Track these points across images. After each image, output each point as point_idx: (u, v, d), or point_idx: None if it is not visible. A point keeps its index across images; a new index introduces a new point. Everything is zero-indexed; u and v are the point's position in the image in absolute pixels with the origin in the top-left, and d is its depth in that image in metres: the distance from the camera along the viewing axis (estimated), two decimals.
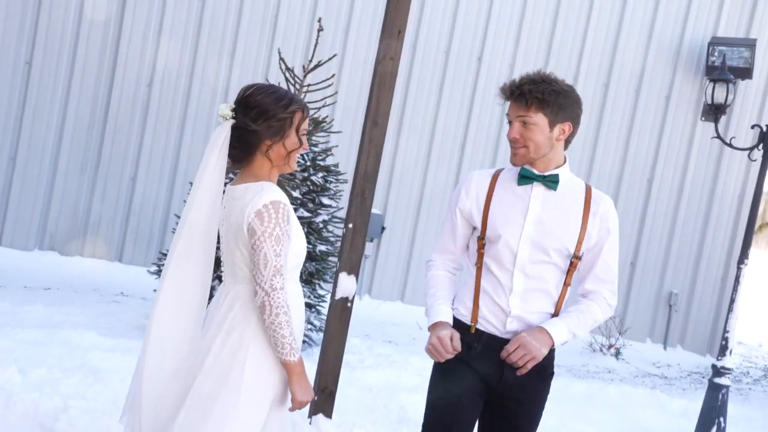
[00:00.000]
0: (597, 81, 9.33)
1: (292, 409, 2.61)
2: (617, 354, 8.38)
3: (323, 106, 6.67)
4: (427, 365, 6.33)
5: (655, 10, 9.30)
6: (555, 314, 2.81)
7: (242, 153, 2.60)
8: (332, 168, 6.72)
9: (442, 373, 2.85)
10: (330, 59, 6.83)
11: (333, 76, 7.03)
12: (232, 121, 2.58)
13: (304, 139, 2.65)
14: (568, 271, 2.80)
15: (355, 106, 8.94)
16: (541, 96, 2.73)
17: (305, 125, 2.66)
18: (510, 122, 2.82)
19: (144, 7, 8.77)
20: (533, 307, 2.77)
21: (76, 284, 7.87)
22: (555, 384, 6.69)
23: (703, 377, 8.25)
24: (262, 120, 2.57)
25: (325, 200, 6.60)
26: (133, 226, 8.81)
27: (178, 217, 7.25)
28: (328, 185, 6.64)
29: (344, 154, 8.54)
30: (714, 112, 6.67)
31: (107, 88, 8.77)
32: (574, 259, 2.79)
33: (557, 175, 2.80)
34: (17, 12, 8.61)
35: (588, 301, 2.83)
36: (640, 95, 9.36)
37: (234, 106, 2.60)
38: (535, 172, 2.79)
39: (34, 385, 4.34)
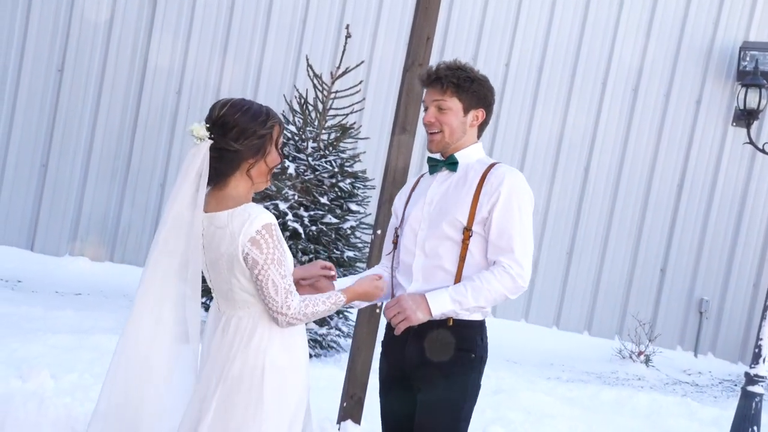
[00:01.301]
0: (626, 86, 9.26)
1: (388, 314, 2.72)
2: (647, 361, 8.30)
3: (351, 112, 6.69)
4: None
5: (685, 14, 9.22)
6: None
7: (220, 173, 2.51)
8: (360, 174, 6.72)
9: (379, 375, 2.95)
10: (357, 66, 6.85)
11: (361, 82, 7.05)
12: (209, 142, 2.49)
13: (279, 152, 2.59)
14: (462, 244, 2.79)
15: (383, 113, 8.95)
16: (456, 81, 2.84)
17: (281, 138, 2.60)
18: (426, 108, 2.91)
19: (173, 15, 8.84)
20: (432, 285, 2.78)
21: (106, 290, 7.94)
22: (584, 391, 6.65)
23: (735, 385, 8.14)
24: (243, 139, 2.49)
25: (353, 206, 6.60)
26: None
27: None
28: (355, 191, 6.64)
29: (372, 161, 8.54)
30: (746, 117, 6.60)
31: (137, 95, 8.85)
32: (466, 231, 2.78)
33: (454, 156, 2.87)
34: (49, 20, 8.72)
35: (486, 271, 2.76)
36: (670, 100, 9.28)
37: (208, 125, 2.51)
38: (439, 158, 2.91)
39: (66, 390, 4.38)
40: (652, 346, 8.52)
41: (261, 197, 6.42)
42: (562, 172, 9.21)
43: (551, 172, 9.21)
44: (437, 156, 2.93)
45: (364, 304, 2.92)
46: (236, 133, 2.50)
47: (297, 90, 7.05)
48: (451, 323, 2.76)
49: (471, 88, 2.86)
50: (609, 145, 9.24)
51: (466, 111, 2.87)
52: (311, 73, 6.64)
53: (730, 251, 9.29)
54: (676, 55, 9.25)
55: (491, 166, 2.84)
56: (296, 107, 6.86)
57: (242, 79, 8.94)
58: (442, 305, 2.72)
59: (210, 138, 2.50)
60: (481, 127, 2.94)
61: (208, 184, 2.52)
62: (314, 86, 6.64)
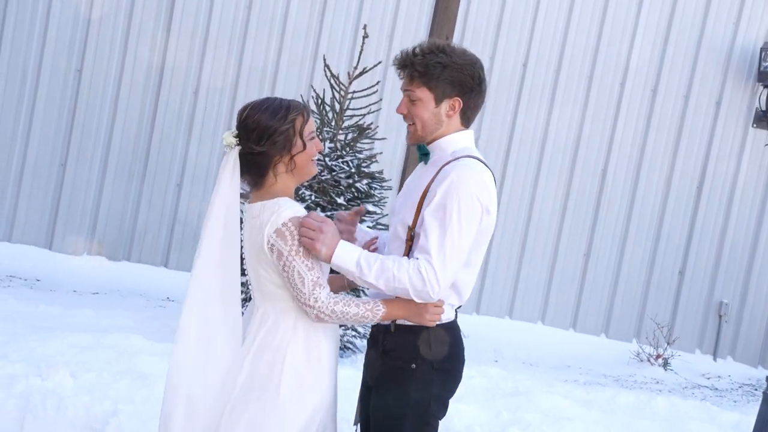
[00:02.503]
0: (645, 86, 9.20)
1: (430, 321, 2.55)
2: (665, 364, 8.24)
3: (368, 113, 6.68)
4: (473, 373, 6.29)
5: (705, 14, 9.16)
6: None
7: (256, 176, 2.55)
8: (377, 175, 6.71)
9: None
10: (375, 66, 6.84)
11: (378, 83, 7.04)
12: (238, 148, 2.53)
13: (313, 142, 2.58)
14: (406, 245, 2.58)
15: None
16: (423, 69, 2.57)
17: (310, 127, 2.58)
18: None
19: (190, 16, 8.87)
20: None
21: (123, 289, 7.97)
22: (601, 394, 6.61)
23: (756, 389, 8.07)
24: (265, 139, 2.51)
25: (370, 207, 6.59)
26: (179, 232, 8.90)
27: None
28: (372, 192, 6.63)
29: (388, 161, 8.53)
30: (767, 118, 6.54)
31: (154, 95, 8.88)
32: (409, 231, 2.57)
33: (426, 147, 2.65)
34: (69, 21, 8.76)
35: (406, 260, 2.50)
36: (689, 101, 9.22)
37: (236, 132, 2.55)
38: (423, 146, 2.70)
39: (85, 388, 4.39)
40: (671, 350, 8.46)
41: None
42: (579, 172, 9.17)
43: (569, 172, 9.16)
44: (423, 144, 2.71)
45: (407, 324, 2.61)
46: (257, 135, 2.52)
47: (314, 90, 7.05)
48: (393, 329, 2.58)
49: (442, 76, 2.57)
50: (627, 146, 9.18)
51: (438, 101, 2.61)
52: (328, 74, 6.64)
53: (750, 253, 9.22)
54: (696, 56, 9.19)
55: (451, 161, 2.59)
56: (313, 107, 6.86)
57: (259, 79, 8.95)
58: (345, 260, 2.48)
59: (237, 144, 2.53)
60: (466, 114, 2.68)
61: (255, 186, 2.55)
62: (331, 86, 6.64)
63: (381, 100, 7.00)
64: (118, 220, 8.88)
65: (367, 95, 6.63)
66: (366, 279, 2.48)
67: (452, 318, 2.66)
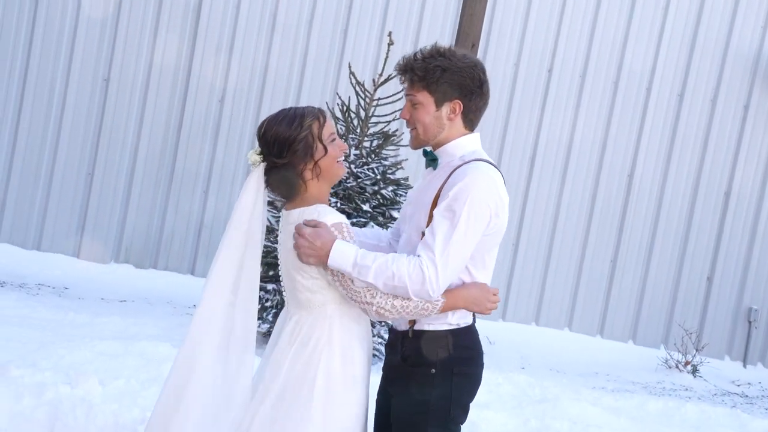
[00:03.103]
0: (671, 92, 9.14)
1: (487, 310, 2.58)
2: (694, 371, 8.15)
3: (393, 119, 6.68)
4: (500, 380, 6.27)
5: (732, 18, 9.08)
6: None
7: (287, 188, 2.58)
8: (402, 182, 6.71)
9: None
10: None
11: (403, 90, 7.03)
12: (263, 165, 2.56)
13: (334, 144, 2.58)
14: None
15: None
16: (422, 74, 2.59)
17: (328, 129, 2.58)
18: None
19: (216, 25, 8.92)
20: None
21: (151, 296, 8.02)
22: (630, 401, 6.55)
23: None
24: (285, 151, 2.53)
25: (395, 213, 6.59)
26: (205, 240, 8.95)
27: None
28: (398, 199, 6.63)
29: (413, 168, 8.52)
30: None
31: (180, 103, 8.94)
32: (421, 235, 2.57)
33: (433, 152, 2.67)
34: (96, 31, 8.85)
35: (405, 257, 2.50)
36: (716, 106, 9.14)
37: (259, 149, 2.58)
38: (429, 151, 2.72)
39: (114, 396, 4.42)
40: (699, 356, 8.37)
41: None
42: (605, 178, 9.11)
43: (595, 178, 9.11)
44: (428, 149, 2.73)
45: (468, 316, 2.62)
46: (278, 148, 2.54)
47: (339, 97, 7.06)
48: (411, 335, 2.58)
49: (442, 79, 2.59)
50: (653, 151, 9.12)
51: (438, 104, 2.62)
52: (353, 81, 6.65)
53: None
54: (723, 59, 9.11)
55: (461, 165, 2.60)
56: (338, 114, 6.88)
57: (284, 87, 8.99)
58: (342, 262, 2.47)
59: (262, 161, 2.56)
60: (468, 117, 2.68)
61: (288, 198, 2.58)
62: (356, 94, 6.65)
63: None
64: (144, 228, 8.94)
65: (392, 102, 6.63)
66: (365, 279, 2.47)
67: (470, 322, 2.65)
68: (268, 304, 6.44)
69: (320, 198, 2.60)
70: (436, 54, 2.63)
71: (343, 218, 2.55)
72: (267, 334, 6.73)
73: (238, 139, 8.96)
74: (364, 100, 6.64)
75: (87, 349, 5.37)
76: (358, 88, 6.64)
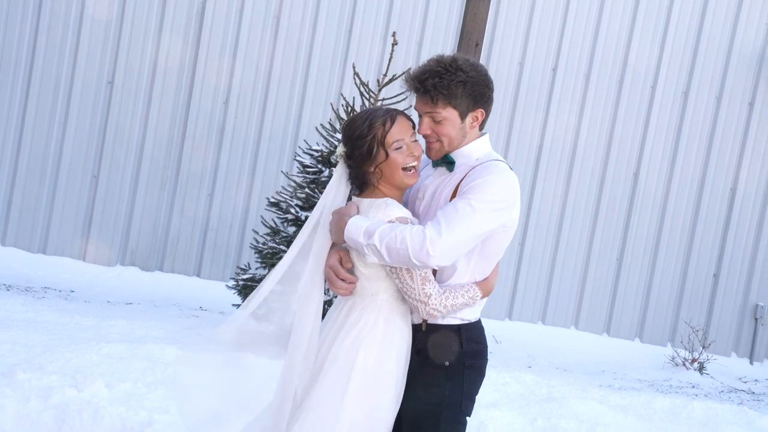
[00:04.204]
0: (676, 89, 9.12)
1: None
2: (701, 368, 8.14)
3: None
4: (507, 379, 6.26)
5: (737, 15, 9.06)
6: None
7: (358, 185, 2.68)
8: None
9: None
10: (404, 73, 6.83)
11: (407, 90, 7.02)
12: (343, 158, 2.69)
13: (399, 151, 2.62)
14: None
15: None
16: (447, 91, 2.65)
17: (393, 135, 2.62)
18: (420, 116, 2.74)
19: (220, 26, 8.93)
20: None
21: (157, 299, 8.02)
22: (637, 399, 6.53)
23: None
24: (353, 151, 2.62)
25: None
26: (211, 242, 8.95)
27: (256, 232, 7.33)
28: None
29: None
30: None
31: (185, 105, 8.95)
32: None
33: (451, 156, 2.71)
34: (100, 34, 8.86)
35: (410, 224, 2.59)
36: (721, 103, 9.12)
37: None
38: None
39: (120, 399, 4.42)
40: (706, 354, 8.36)
41: (309, 205, 6.43)
42: (611, 176, 9.10)
43: (600, 176, 9.10)
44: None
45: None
46: (350, 147, 2.64)
47: (344, 98, 7.06)
48: (424, 328, 2.64)
49: (464, 93, 2.67)
50: (659, 149, 9.10)
51: (463, 116, 2.70)
52: (358, 81, 6.65)
53: None
54: (728, 57, 9.09)
55: (478, 165, 2.68)
56: (343, 115, 6.88)
57: (289, 88, 8.99)
58: (354, 232, 2.56)
59: (343, 155, 2.69)
60: (483, 121, 2.78)
61: (361, 192, 2.69)
62: (361, 94, 6.65)
63: (411, 107, 6.99)
64: (150, 231, 8.95)
65: (397, 102, 6.63)
66: (372, 242, 2.52)
67: (478, 317, 2.73)
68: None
69: (391, 195, 2.68)
70: (452, 69, 2.67)
71: (408, 213, 2.61)
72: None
73: (243, 141, 8.97)
74: (369, 100, 6.63)
75: (93, 352, 5.37)
76: (362, 89, 6.63)
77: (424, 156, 2.78)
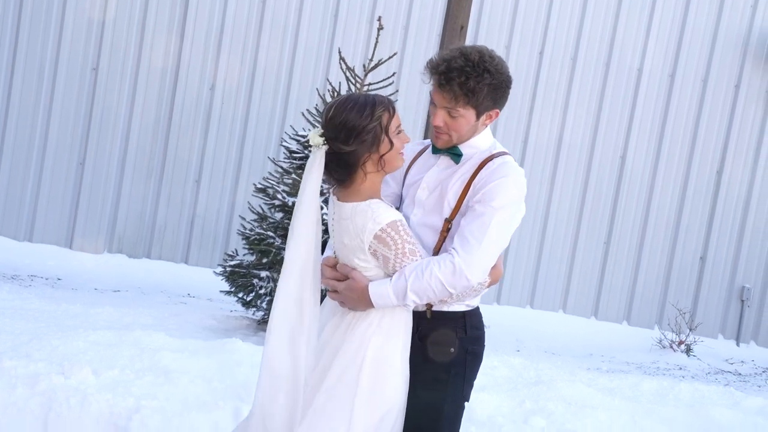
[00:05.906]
0: (662, 72, 9.13)
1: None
2: (688, 351, 8.19)
3: None
4: (495, 363, 6.28)
5: None
6: None
7: (344, 175, 2.56)
8: None
9: None
10: (390, 58, 6.81)
11: (393, 74, 7.01)
12: (325, 148, 2.53)
13: (399, 137, 2.59)
14: (440, 234, 2.65)
15: (416, 105, 8.91)
16: (472, 93, 2.60)
17: (396, 121, 2.58)
18: (434, 104, 2.67)
19: (205, 10, 8.87)
20: None
21: (144, 286, 8.01)
22: (624, 381, 6.57)
23: None
24: (353, 139, 2.51)
25: None
26: (198, 229, 8.93)
27: (243, 218, 7.32)
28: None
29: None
30: None
31: (170, 92, 8.90)
32: (446, 222, 2.64)
33: (459, 148, 2.69)
34: (84, 19, 8.79)
35: (434, 258, 2.58)
36: (707, 85, 9.14)
37: (322, 131, 2.55)
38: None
39: (108, 386, 4.40)
40: (693, 336, 8.41)
41: (296, 191, 6.41)
42: (598, 159, 9.12)
43: (587, 159, 9.11)
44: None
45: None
46: (346, 135, 2.51)
47: (330, 83, 7.04)
48: (429, 315, 2.65)
49: (488, 95, 2.64)
50: (645, 132, 9.12)
51: (479, 116, 2.68)
52: (343, 66, 6.62)
53: None
54: (714, 39, 9.11)
55: (490, 158, 2.68)
56: (329, 100, 6.85)
57: (275, 74, 8.95)
58: (384, 299, 2.56)
59: (324, 144, 2.53)
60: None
61: (341, 183, 2.58)
62: (347, 79, 6.62)
63: (397, 91, 6.98)
64: (137, 218, 8.92)
65: (384, 87, 6.61)
66: (408, 302, 2.56)
67: (478, 303, 2.77)
68: (262, 291, 6.43)
69: (374, 190, 2.59)
70: (479, 69, 2.61)
71: (397, 215, 2.56)
72: (262, 322, 6.73)
73: (230, 127, 8.93)
74: (355, 85, 6.61)
75: (81, 339, 5.35)
76: (348, 74, 6.61)
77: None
